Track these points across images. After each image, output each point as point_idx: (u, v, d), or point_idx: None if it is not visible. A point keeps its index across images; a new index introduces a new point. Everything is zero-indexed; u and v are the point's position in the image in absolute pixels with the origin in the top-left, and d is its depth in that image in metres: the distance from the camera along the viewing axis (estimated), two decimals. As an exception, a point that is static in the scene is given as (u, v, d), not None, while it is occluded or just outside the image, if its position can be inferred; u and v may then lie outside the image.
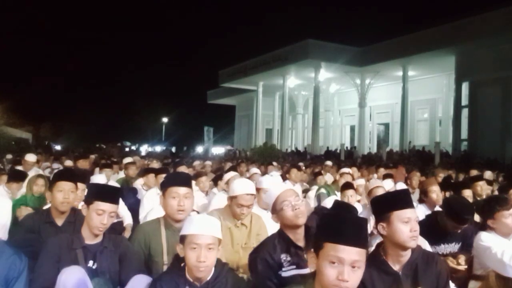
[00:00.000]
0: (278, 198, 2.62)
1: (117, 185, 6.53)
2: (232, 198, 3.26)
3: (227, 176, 5.34)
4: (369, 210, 3.50)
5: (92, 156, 12.06)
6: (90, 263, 2.48)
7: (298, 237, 2.58)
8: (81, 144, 36.19)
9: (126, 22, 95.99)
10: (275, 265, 2.49)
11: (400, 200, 2.30)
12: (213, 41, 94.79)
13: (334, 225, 1.76)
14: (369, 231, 3.36)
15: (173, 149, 38.15)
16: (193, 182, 5.99)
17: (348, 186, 5.09)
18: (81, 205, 4.00)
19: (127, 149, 38.31)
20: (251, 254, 2.65)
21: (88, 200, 2.57)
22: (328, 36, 28.84)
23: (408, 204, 2.29)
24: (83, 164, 8.54)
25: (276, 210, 2.63)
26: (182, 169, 6.63)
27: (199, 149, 37.02)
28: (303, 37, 27.28)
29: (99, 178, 5.36)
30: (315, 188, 7.24)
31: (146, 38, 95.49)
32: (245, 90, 37.77)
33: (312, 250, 1.86)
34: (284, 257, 2.51)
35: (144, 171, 6.71)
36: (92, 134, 44.72)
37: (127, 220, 5.32)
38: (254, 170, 7.14)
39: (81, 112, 46.13)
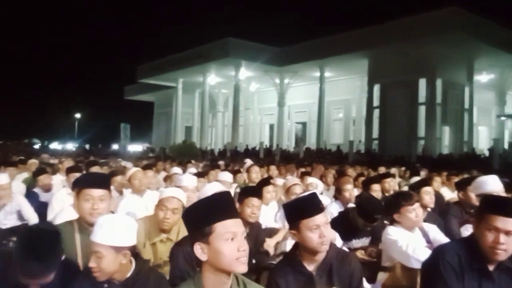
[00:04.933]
0: None
1: (23, 185, 6.16)
2: (158, 203, 3.19)
3: (130, 172, 5.08)
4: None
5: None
6: None
7: None
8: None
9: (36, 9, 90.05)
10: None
11: (307, 208, 2.23)
12: (132, 36, 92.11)
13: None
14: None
15: (87, 147, 36.37)
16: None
17: (266, 182, 5.06)
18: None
19: (36, 146, 35.93)
20: (174, 246, 2.77)
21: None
22: (248, 35, 29.08)
23: (316, 210, 2.22)
24: (-16, 162, 7.86)
25: None
26: (95, 169, 6.26)
27: (115, 146, 35.64)
28: (224, 36, 27.34)
29: (2, 177, 4.94)
30: (234, 185, 7.25)
31: (62, 27, 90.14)
32: (164, 86, 37.11)
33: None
34: None
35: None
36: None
37: (33, 222, 4.93)
38: (175, 169, 6.96)
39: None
